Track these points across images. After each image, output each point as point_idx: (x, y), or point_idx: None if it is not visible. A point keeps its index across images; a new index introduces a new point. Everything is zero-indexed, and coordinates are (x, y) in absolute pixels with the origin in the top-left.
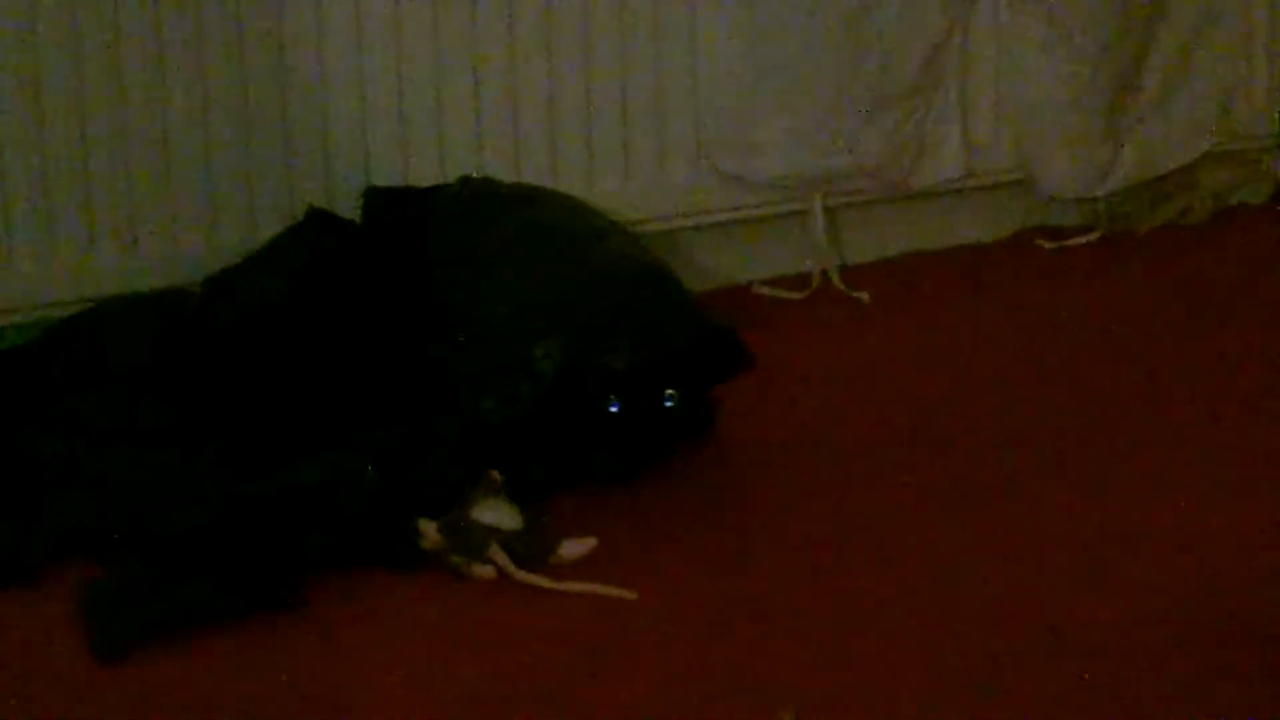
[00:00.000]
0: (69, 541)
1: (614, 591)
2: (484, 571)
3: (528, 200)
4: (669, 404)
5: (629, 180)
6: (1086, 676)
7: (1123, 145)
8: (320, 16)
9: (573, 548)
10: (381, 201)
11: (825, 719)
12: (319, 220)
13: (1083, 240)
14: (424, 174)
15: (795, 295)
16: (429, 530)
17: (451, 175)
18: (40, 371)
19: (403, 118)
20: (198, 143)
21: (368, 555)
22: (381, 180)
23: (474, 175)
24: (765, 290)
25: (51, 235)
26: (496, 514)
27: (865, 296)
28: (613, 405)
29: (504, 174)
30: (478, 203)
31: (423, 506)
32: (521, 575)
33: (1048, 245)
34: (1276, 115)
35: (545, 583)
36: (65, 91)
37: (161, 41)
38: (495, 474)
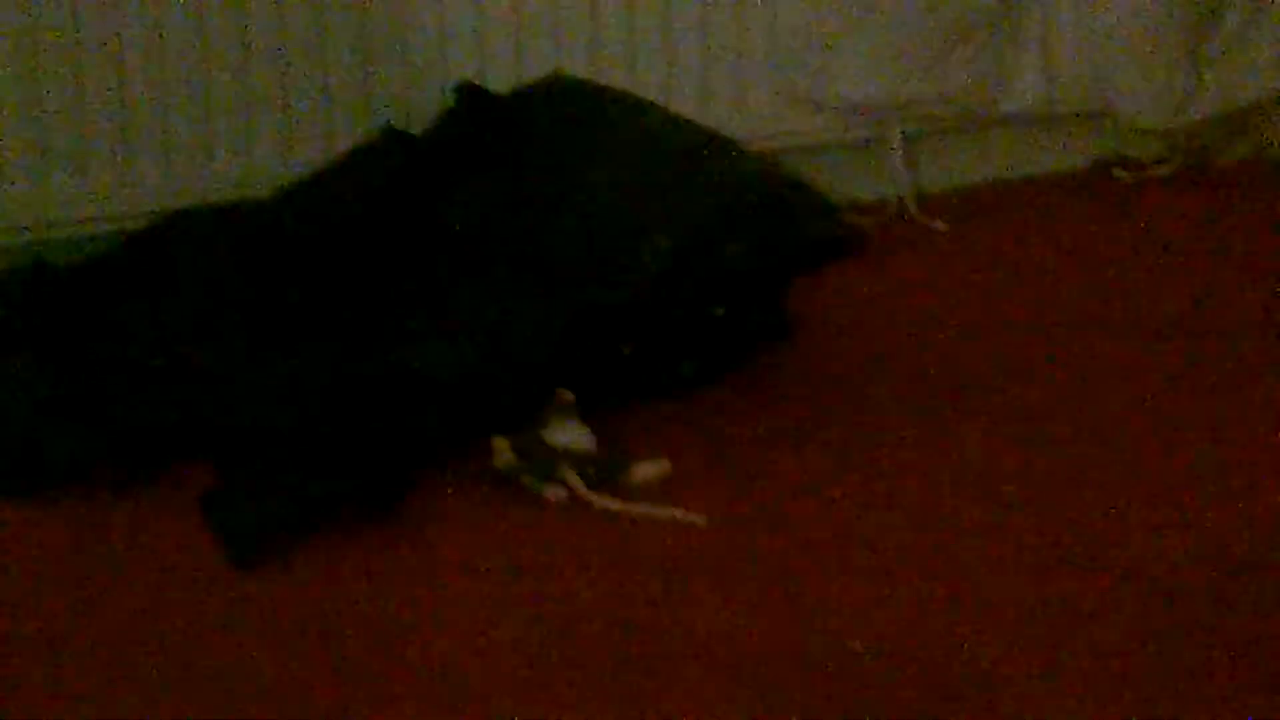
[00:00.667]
0: (151, 441)
1: (685, 516)
2: (555, 493)
3: (623, 100)
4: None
5: (707, 102)
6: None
7: (1202, 77)
8: None
9: (645, 470)
10: (472, 97)
11: (896, 648)
12: (392, 138)
13: (1160, 172)
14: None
15: (872, 222)
16: (502, 448)
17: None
18: (117, 281)
19: (480, 36)
20: (273, 58)
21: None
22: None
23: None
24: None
25: (129, 148)
26: (569, 435)
27: (941, 224)
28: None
29: None
30: (574, 99)
31: (530, 394)
32: (592, 497)
33: (1125, 176)
34: None
35: (616, 505)
36: (142, 6)
37: None
38: (567, 393)
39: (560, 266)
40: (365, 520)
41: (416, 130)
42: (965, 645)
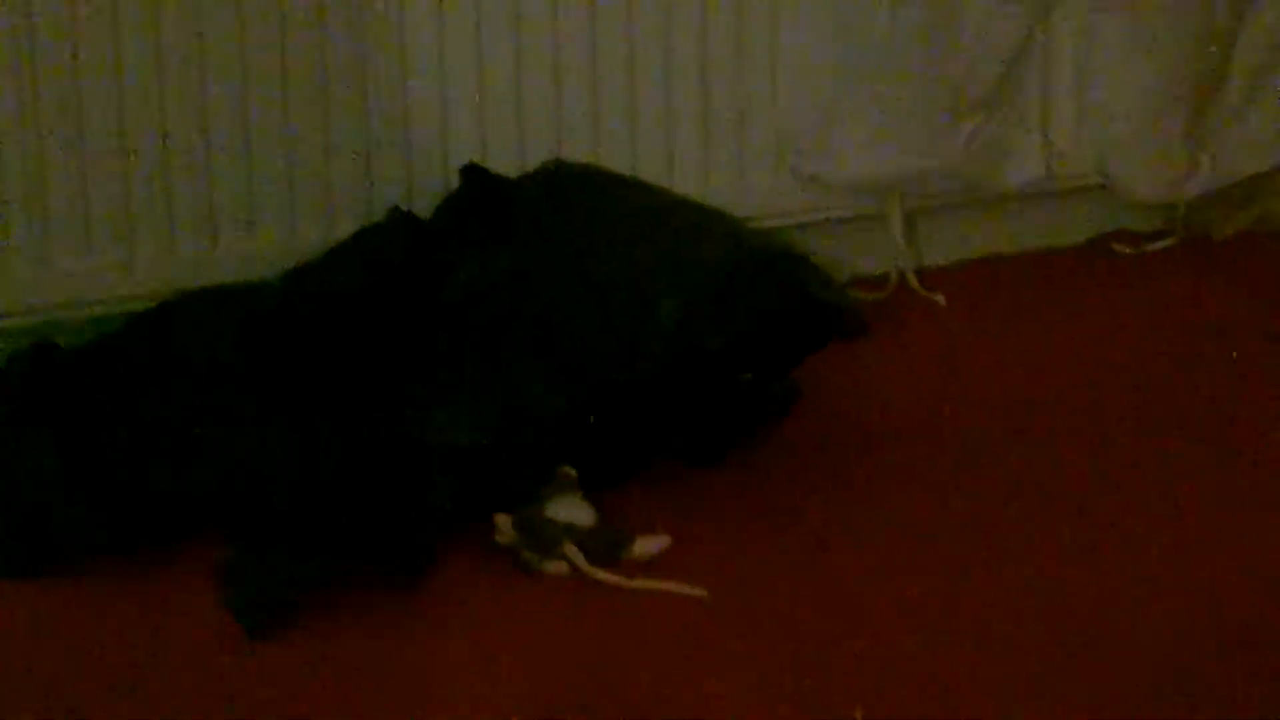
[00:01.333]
0: (162, 516)
1: (686, 590)
2: (557, 568)
3: (625, 182)
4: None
5: (709, 181)
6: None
7: (1202, 151)
8: (403, 12)
9: (646, 545)
10: (478, 179)
11: None
12: (399, 220)
13: (1160, 245)
14: (503, 173)
15: (874, 296)
16: (504, 525)
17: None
18: (123, 360)
19: (482, 118)
20: (277, 140)
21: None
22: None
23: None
24: None
25: (132, 231)
26: (570, 511)
27: (941, 298)
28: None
29: None
30: (577, 181)
31: (541, 469)
32: (594, 572)
33: (1126, 250)
34: None
35: (617, 580)
36: (144, 86)
37: (244, 35)
38: (569, 469)
39: (568, 340)
40: (385, 590)
41: (419, 211)
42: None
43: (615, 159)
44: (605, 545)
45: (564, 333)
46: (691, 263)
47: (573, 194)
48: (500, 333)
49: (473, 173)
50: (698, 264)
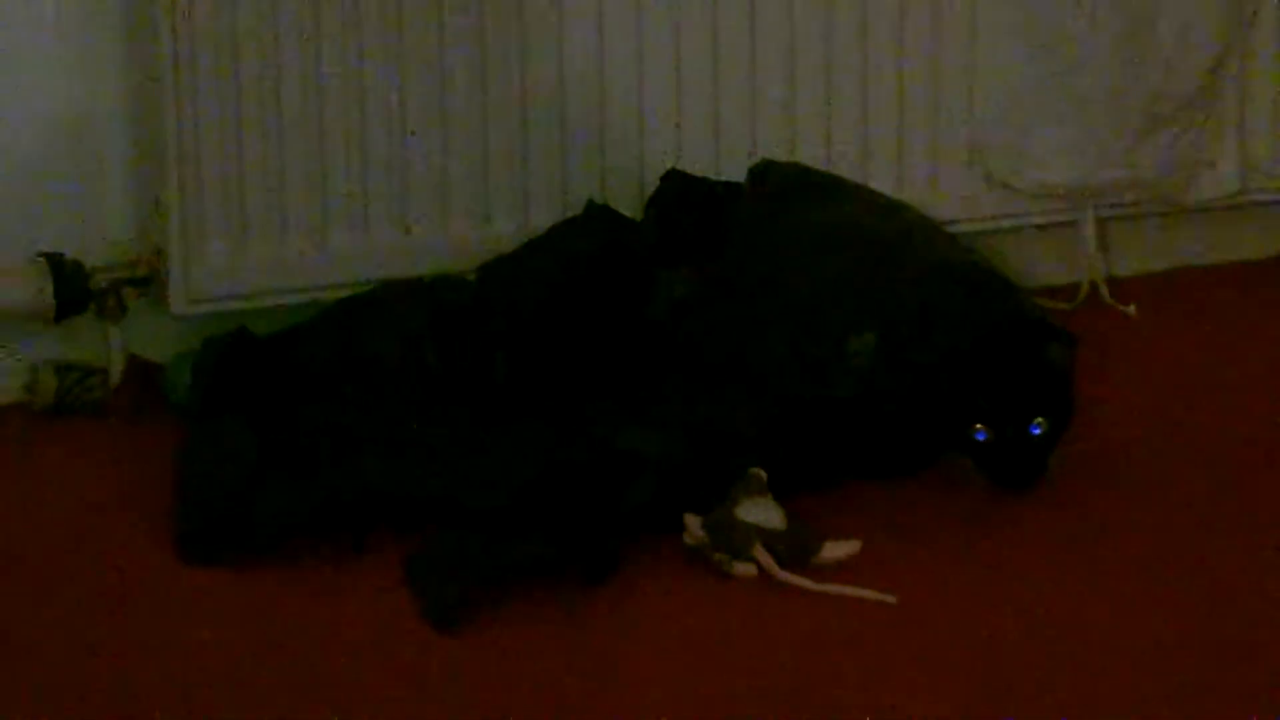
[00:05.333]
0: (360, 509)
1: (875, 595)
2: (746, 570)
3: (836, 187)
4: (1036, 431)
5: (902, 184)
6: None
7: None
8: (600, 12)
9: (835, 550)
10: (678, 185)
11: None
12: (598, 214)
13: None
14: (696, 172)
15: (1064, 306)
16: (693, 525)
17: (724, 174)
18: (317, 353)
19: (679, 115)
20: (476, 132)
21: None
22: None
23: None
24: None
25: (326, 219)
26: (761, 513)
27: (1132, 310)
28: (979, 433)
29: None
30: (782, 185)
31: (726, 480)
32: (783, 575)
33: None
34: None
35: (806, 584)
36: (343, 78)
37: (442, 28)
38: (760, 472)
39: (764, 362)
40: (573, 590)
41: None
42: None
43: (810, 160)
44: (795, 548)
45: (758, 358)
46: (888, 291)
47: (780, 203)
48: (697, 352)
49: (673, 178)
50: (894, 292)
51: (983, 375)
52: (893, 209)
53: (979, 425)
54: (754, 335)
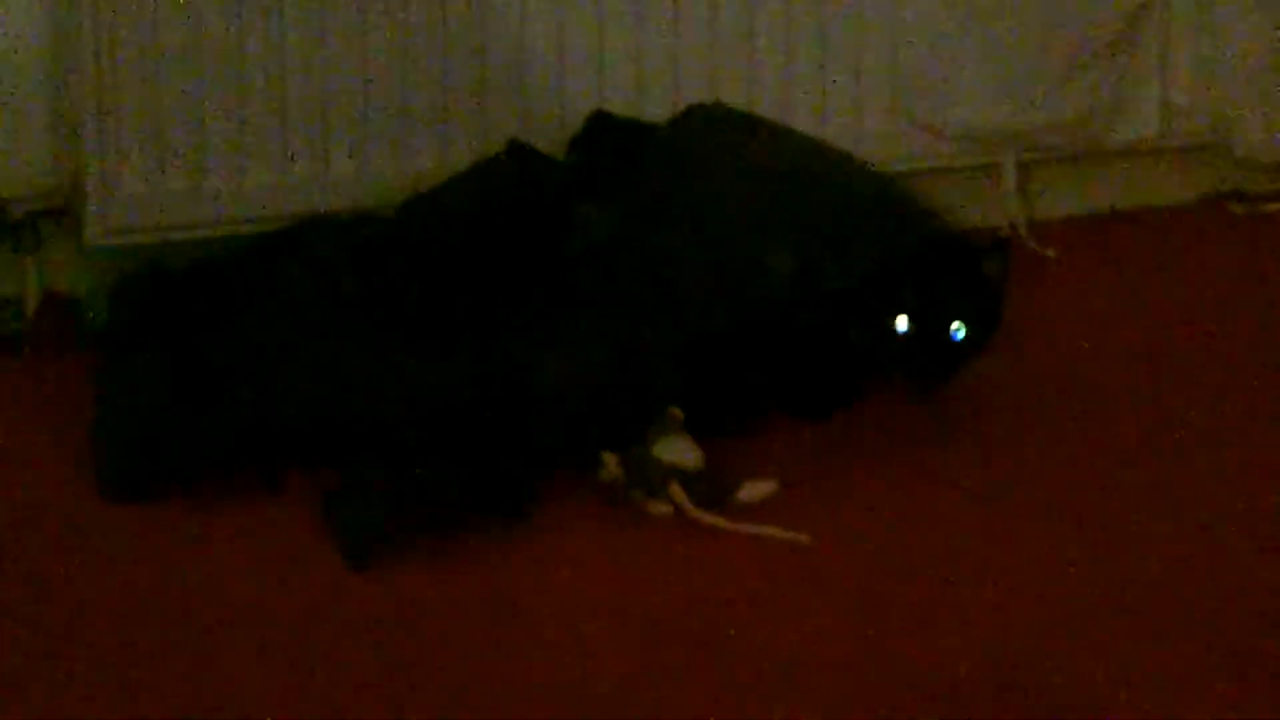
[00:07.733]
0: (271, 442)
1: (789, 535)
2: (661, 508)
3: (757, 124)
4: (958, 337)
5: (824, 126)
6: None
7: None
8: None
9: (753, 490)
10: (602, 124)
11: (999, 675)
12: (518, 152)
13: (1276, 205)
14: (617, 112)
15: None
16: (610, 462)
17: (646, 115)
18: (235, 285)
19: (600, 55)
20: (394, 72)
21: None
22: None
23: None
24: None
25: (244, 153)
26: (678, 452)
27: (1052, 253)
28: (900, 325)
29: None
30: (705, 124)
31: (647, 411)
32: (698, 514)
33: (1240, 209)
34: None
35: (721, 523)
36: (263, 14)
37: None
38: (677, 411)
39: (681, 291)
40: (486, 528)
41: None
42: (1075, 674)
43: (734, 101)
44: (711, 488)
45: (677, 285)
46: (807, 216)
47: (700, 138)
48: (615, 286)
49: (599, 119)
50: (813, 219)
51: (908, 285)
52: (812, 145)
53: (901, 315)
54: (673, 264)
